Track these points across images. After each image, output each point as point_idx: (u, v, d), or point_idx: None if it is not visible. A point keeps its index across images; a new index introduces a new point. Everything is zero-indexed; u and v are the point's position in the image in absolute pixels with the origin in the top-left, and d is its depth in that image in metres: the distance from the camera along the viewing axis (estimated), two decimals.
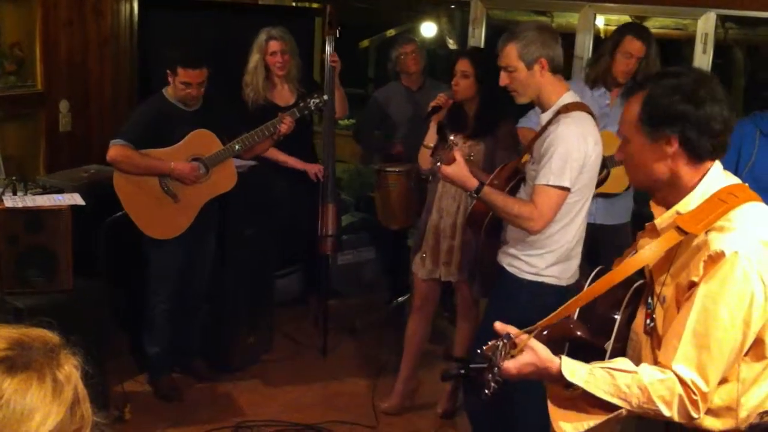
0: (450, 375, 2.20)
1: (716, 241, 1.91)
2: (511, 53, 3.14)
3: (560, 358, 2.01)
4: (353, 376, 4.72)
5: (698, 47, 5.20)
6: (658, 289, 2.08)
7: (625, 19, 5.58)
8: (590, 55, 5.54)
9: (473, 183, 3.11)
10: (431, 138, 4.01)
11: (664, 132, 1.99)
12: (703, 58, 5.21)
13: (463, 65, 3.91)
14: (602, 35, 6.22)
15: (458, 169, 3.10)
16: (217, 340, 4.68)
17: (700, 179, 2.02)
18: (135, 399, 4.24)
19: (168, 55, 4.20)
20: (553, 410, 2.06)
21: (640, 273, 2.15)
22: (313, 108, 4.47)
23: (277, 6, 6.44)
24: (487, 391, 2.01)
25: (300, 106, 4.43)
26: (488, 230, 3.47)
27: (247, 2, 6.24)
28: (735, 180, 2.06)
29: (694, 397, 1.90)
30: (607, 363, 2.02)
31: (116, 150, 4.03)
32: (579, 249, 3.29)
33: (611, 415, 1.97)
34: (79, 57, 5.04)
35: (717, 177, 2.03)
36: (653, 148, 2.02)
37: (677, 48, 6.26)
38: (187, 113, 4.20)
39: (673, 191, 2.05)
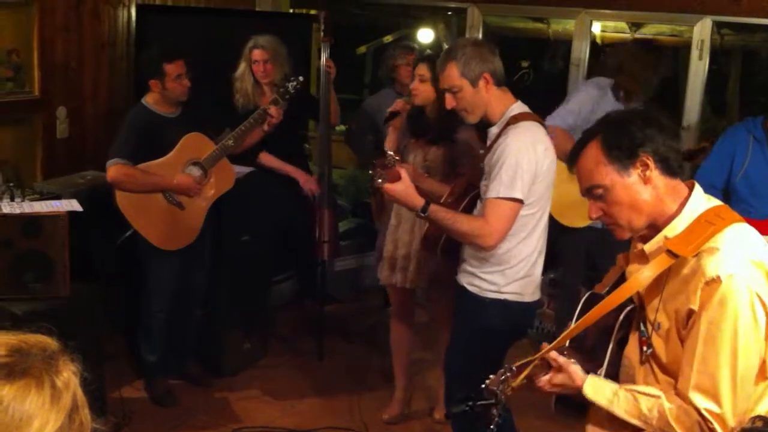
0: (456, 412, 2.20)
1: (710, 267, 1.91)
2: (452, 73, 3.07)
3: (586, 376, 2.09)
4: (349, 382, 4.72)
5: (694, 53, 5.22)
6: (651, 316, 2.08)
7: (622, 26, 5.60)
8: (587, 61, 5.57)
9: (419, 202, 2.97)
10: (391, 143, 3.98)
11: (639, 155, 1.99)
12: (699, 65, 5.23)
13: (421, 70, 3.87)
14: (599, 42, 6.24)
15: (403, 187, 2.95)
16: (213, 345, 4.68)
17: (684, 202, 2.03)
18: (131, 404, 4.24)
19: (147, 63, 4.18)
20: (593, 425, 2.16)
21: (630, 298, 2.16)
22: (291, 90, 4.44)
23: (274, 12, 6.44)
24: (492, 427, 2.08)
25: (280, 92, 4.44)
26: (444, 250, 3.38)
27: (244, 8, 6.25)
28: (717, 202, 2.08)
29: (711, 426, 1.92)
30: (634, 386, 2.07)
31: (116, 170, 4.01)
32: (540, 262, 3.20)
33: None
34: (76, 63, 5.04)
35: (700, 200, 2.05)
36: (634, 180, 2.01)
37: (673, 54, 6.27)
38: (172, 119, 4.20)
39: (659, 219, 2.04)
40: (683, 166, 2.09)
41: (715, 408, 1.91)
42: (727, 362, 1.90)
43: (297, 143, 5.15)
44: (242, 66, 4.78)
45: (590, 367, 2.16)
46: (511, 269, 3.11)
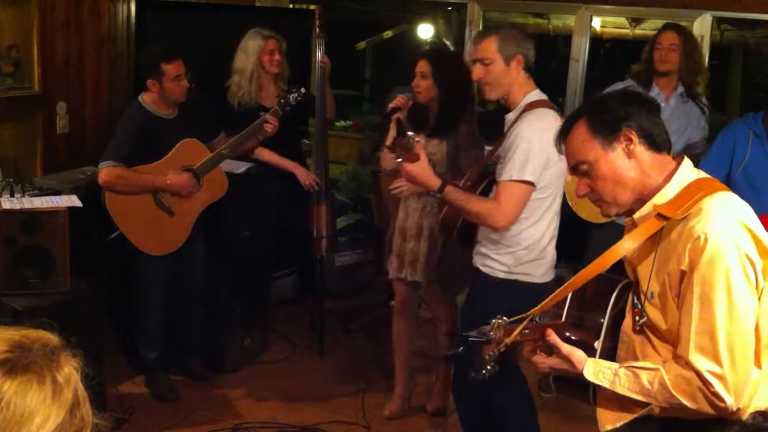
0: (452, 353, 2.24)
1: (698, 226, 1.94)
2: (489, 46, 3.15)
3: (586, 359, 2.09)
4: (349, 377, 4.72)
5: None
6: (644, 285, 2.11)
7: (622, 21, 5.61)
8: (587, 56, 5.57)
9: (435, 183, 3.06)
10: (392, 139, 4.00)
11: (621, 129, 2.05)
12: None
13: (422, 66, 3.90)
14: (600, 37, 6.24)
15: (421, 167, 3.03)
16: (213, 341, 4.68)
17: (671, 174, 2.07)
18: (132, 400, 4.24)
19: (145, 62, 4.15)
20: (601, 399, 2.15)
21: (625, 273, 2.21)
22: (293, 102, 4.44)
23: (274, 8, 6.45)
24: (484, 372, 2.09)
25: (281, 103, 4.43)
26: (461, 233, 3.45)
27: (244, 4, 6.25)
28: (706, 175, 2.12)
29: (712, 389, 1.92)
30: (633, 363, 2.07)
31: (108, 172, 3.99)
32: (552, 246, 3.28)
33: (644, 411, 2.03)
34: (76, 59, 5.04)
35: (689, 170, 2.10)
36: (618, 154, 2.06)
37: None
38: (168, 121, 4.16)
39: (645, 192, 2.08)
40: (670, 142, 2.12)
41: (716, 369, 1.91)
42: (724, 319, 1.91)
43: (294, 139, 5.14)
44: (244, 58, 4.69)
45: (588, 340, 2.18)
46: (522, 251, 3.21)
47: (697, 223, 1.95)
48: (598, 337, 2.18)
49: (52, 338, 1.28)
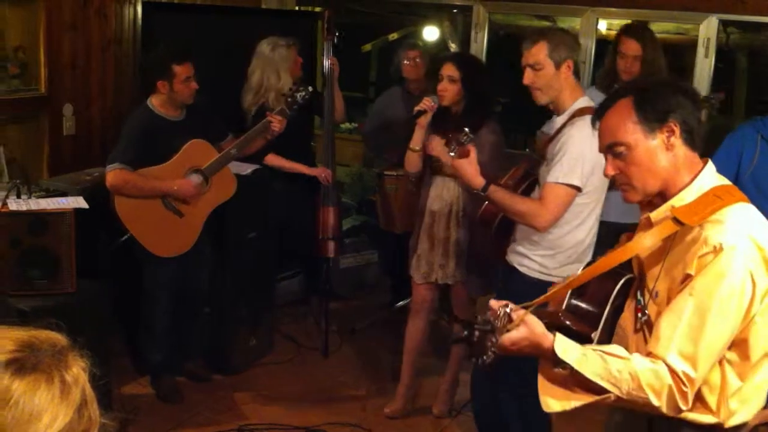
0: (457, 338, 2.23)
1: (713, 236, 1.93)
2: (541, 51, 3.19)
3: (554, 335, 2.02)
4: (354, 379, 4.72)
5: (700, 52, 5.22)
6: (650, 284, 2.09)
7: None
8: (593, 59, 5.57)
9: (480, 181, 3.15)
10: (417, 141, 3.99)
11: (668, 121, 2.01)
12: (704, 63, 5.22)
13: (449, 70, 3.90)
14: (608, 40, 6.23)
15: (470, 165, 3.12)
16: (218, 342, 4.69)
17: (695, 176, 2.05)
18: (137, 401, 4.25)
19: (155, 63, 4.15)
20: (542, 385, 2.08)
21: (629, 267, 2.19)
22: (300, 101, 4.42)
23: (280, 10, 6.45)
24: (485, 358, 2.06)
25: (288, 102, 4.41)
26: (499, 230, 3.49)
27: (250, 6, 6.26)
28: (727, 182, 2.11)
29: (684, 389, 1.92)
30: (601, 347, 2.03)
31: (115, 175, 3.99)
32: (590, 251, 3.31)
33: (598, 398, 1.98)
34: (82, 60, 5.05)
35: (711, 175, 2.08)
36: (657, 143, 2.02)
37: (679, 53, 6.26)
38: (175, 123, 4.18)
39: (670, 188, 2.06)
40: (702, 142, 2.09)
41: (691, 372, 1.92)
42: (712, 332, 1.91)
43: (306, 141, 5.14)
44: (284, 67, 4.67)
45: (585, 330, 2.15)
46: (562, 254, 3.26)
47: (711, 233, 1.94)
48: (595, 329, 2.16)
49: (60, 338, 1.28)
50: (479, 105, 3.92)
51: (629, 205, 3.93)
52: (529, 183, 3.40)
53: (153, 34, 5.20)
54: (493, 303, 2.12)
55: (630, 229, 2.28)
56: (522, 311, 2.07)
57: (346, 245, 5.57)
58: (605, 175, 2.14)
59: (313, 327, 5.33)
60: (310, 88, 4.51)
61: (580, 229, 3.25)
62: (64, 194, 4.18)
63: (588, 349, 2.01)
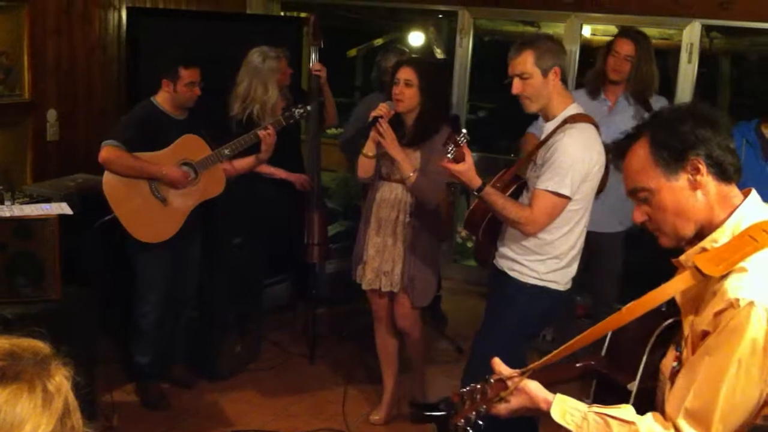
0: (418, 419, 2.15)
1: (732, 289, 1.73)
2: (527, 60, 3.20)
3: (554, 397, 1.93)
4: (341, 384, 4.71)
5: (683, 57, 5.26)
6: (686, 331, 1.89)
7: (612, 29, 5.62)
8: (577, 64, 5.59)
9: (477, 182, 3.18)
10: (370, 147, 3.96)
11: (689, 158, 1.81)
12: (688, 68, 5.27)
13: (406, 74, 3.88)
14: (592, 45, 6.26)
15: (467, 166, 3.15)
16: (204, 348, 4.67)
17: (731, 213, 1.83)
18: (123, 408, 4.22)
19: (164, 62, 4.20)
20: None
21: (675, 310, 1.98)
22: (297, 117, 4.46)
23: (265, 15, 6.45)
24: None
25: (286, 116, 4.42)
26: (486, 231, 3.52)
27: (235, 11, 6.25)
28: None
29: None
30: (606, 409, 1.88)
31: (108, 150, 4.02)
32: (578, 257, 3.38)
33: None
34: (67, 65, 5.04)
35: (750, 211, 1.84)
36: (682, 184, 1.83)
37: (663, 58, 6.30)
38: (177, 121, 4.23)
39: (706, 228, 1.85)
40: (740, 170, 1.86)
41: None
42: (729, 392, 1.72)
43: (292, 146, 5.13)
44: (272, 79, 4.64)
45: (623, 379, 2.04)
46: (552, 259, 3.30)
47: (731, 285, 1.73)
48: (633, 378, 2.00)
49: (43, 347, 1.27)
50: (435, 111, 3.92)
51: (603, 215, 3.88)
52: (517, 186, 3.43)
53: (137, 39, 5.18)
54: (495, 363, 2.02)
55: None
56: (517, 378, 1.96)
57: (332, 250, 5.56)
58: (634, 221, 1.95)
59: (300, 333, 5.32)
60: (309, 108, 4.51)
61: (570, 234, 3.29)
62: (48, 200, 4.16)
63: (592, 410, 1.88)
